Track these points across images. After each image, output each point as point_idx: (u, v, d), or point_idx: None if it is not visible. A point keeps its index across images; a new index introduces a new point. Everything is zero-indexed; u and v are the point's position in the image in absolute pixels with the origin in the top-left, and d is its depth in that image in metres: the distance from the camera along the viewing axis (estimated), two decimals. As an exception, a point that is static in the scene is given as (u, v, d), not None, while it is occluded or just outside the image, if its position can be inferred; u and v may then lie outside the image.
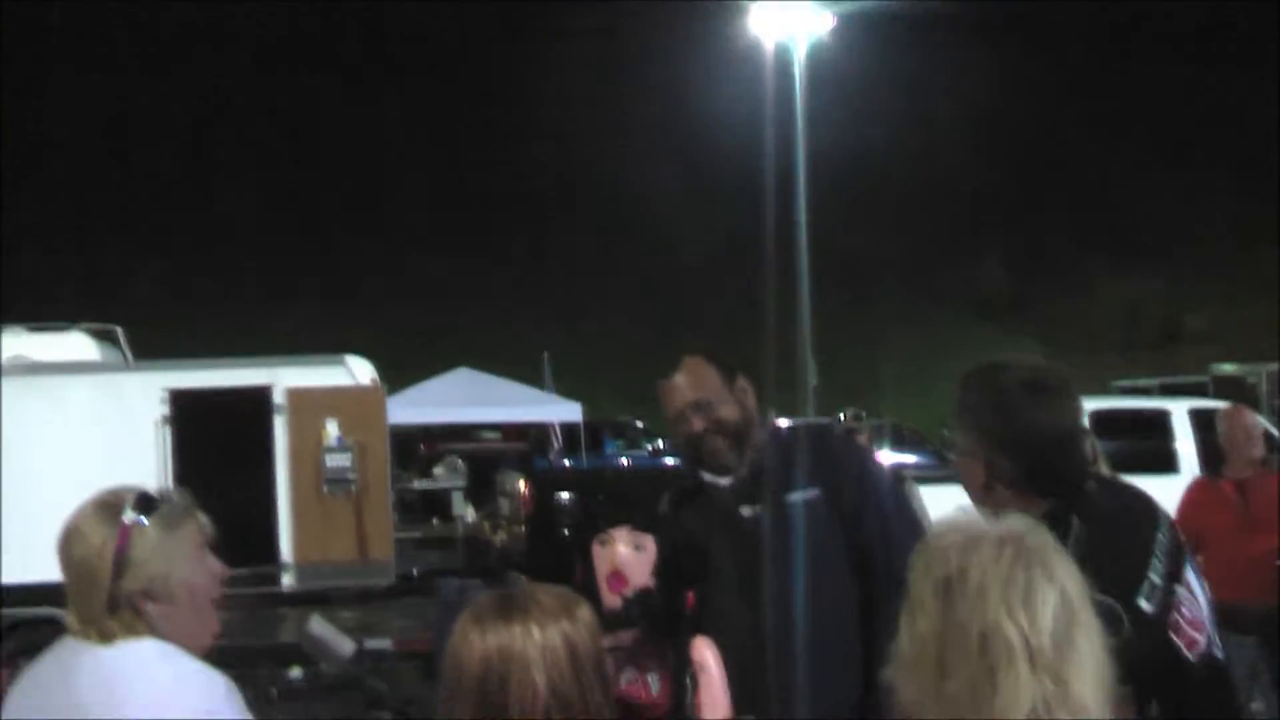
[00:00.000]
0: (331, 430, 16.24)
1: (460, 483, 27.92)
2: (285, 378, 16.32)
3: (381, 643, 11.77)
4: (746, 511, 4.29)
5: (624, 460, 29.30)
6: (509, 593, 2.71)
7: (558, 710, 2.53)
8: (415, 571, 18.75)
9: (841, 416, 25.92)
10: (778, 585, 4.21)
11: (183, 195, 66.05)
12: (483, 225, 67.14)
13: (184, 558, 3.09)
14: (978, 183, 75.01)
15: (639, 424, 34.46)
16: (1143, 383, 30.09)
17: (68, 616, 3.07)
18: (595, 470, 24.65)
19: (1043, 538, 2.16)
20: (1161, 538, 3.00)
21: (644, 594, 3.86)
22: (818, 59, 37.24)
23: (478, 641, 2.57)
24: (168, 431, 16.00)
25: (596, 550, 3.92)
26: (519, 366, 32.00)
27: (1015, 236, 72.03)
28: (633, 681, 3.80)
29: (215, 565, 3.20)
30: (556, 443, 27.40)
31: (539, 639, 2.57)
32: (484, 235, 66.00)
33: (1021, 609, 2.03)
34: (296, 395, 16.20)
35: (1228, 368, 30.28)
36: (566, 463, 26.14)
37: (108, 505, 3.06)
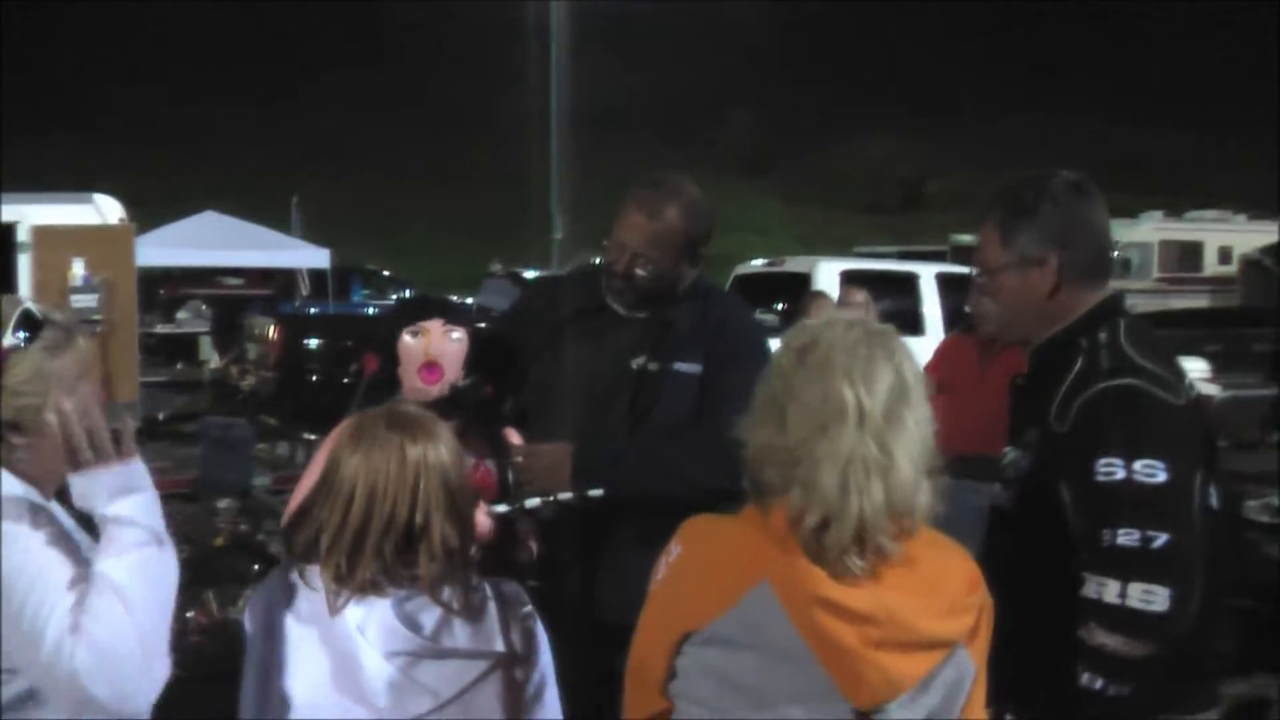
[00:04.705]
0: (78, 269, 15.90)
1: (204, 327, 27.50)
2: (31, 215, 15.86)
3: (134, 484, 11.59)
4: (636, 363, 4.09)
5: (370, 309, 29.15)
6: (384, 412, 2.85)
7: (421, 522, 2.73)
8: (161, 415, 18.53)
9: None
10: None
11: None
12: (235, 68, 65.24)
13: (61, 389, 2.78)
14: (733, 38, 75.41)
15: (386, 273, 34.22)
16: (882, 250, 30.79)
17: None
18: (343, 316, 24.48)
19: (888, 329, 2.46)
20: None
21: (469, 384, 3.90)
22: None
23: (350, 458, 2.75)
24: (-95, 267, 15.50)
25: (407, 342, 3.89)
26: (267, 211, 31.50)
27: (766, 93, 72.78)
28: (474, 468, 3.77)
29: (89, 393, 2.85)
30: (304, 289, 27.09)
31: (415, 455, 2.75)
32: (236, 78, 64.19)
33: (860, 378, 2.31)
34: (42, 233, 15.77)
35: (966, 238, 31.15)
36: (312, 310, 25.88)
37: None
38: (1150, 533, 2.91)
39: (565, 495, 3.80)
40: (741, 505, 2.46)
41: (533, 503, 3.76)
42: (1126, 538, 2.92)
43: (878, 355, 2.36)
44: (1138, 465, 2.95)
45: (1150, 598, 2.90)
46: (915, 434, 2.34)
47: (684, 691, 2.40)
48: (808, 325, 2.44)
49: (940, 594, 2.32)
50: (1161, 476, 2.94)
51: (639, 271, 4.06)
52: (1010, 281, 3.31)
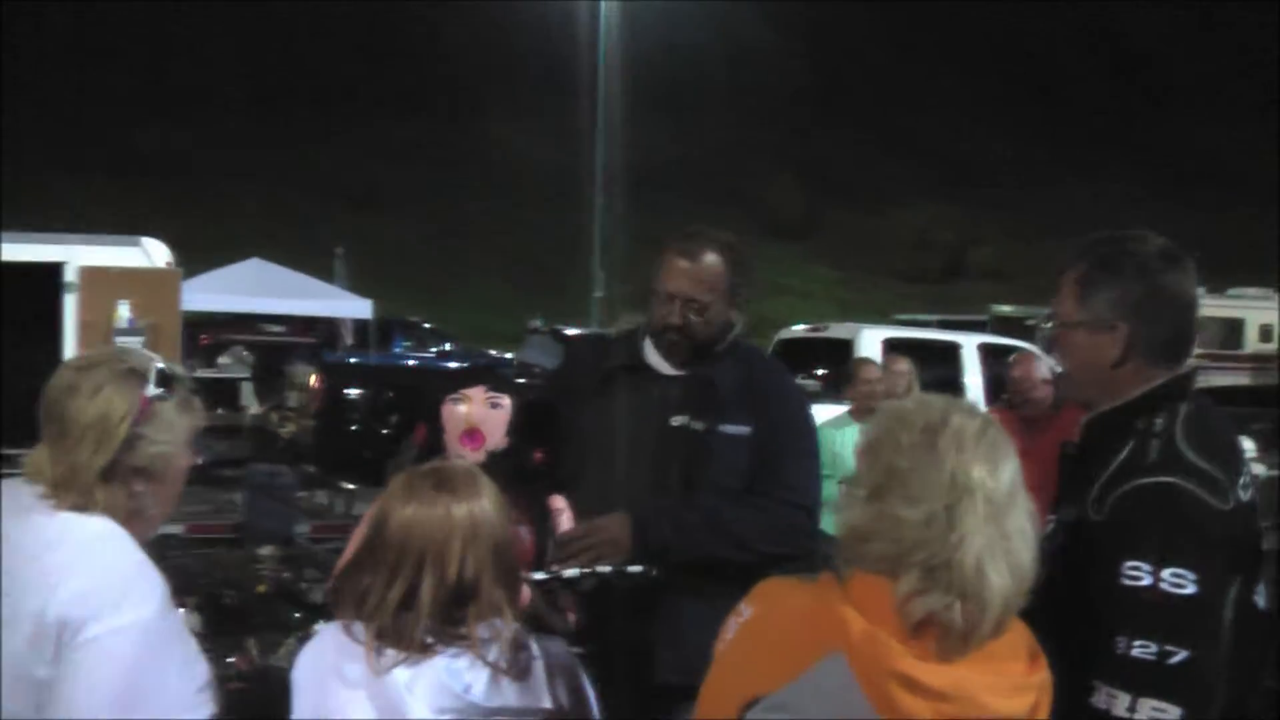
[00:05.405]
0: (124, 312, 15.95)
1: (246, 373, 27.61)
2: (79, 256, 15.96)
3: (173, 528, 11.72)
4: (677, 421, 4.10)
5: (411, 361, 29.23)
6: (431, 470, 2.90)
7: (470, 580, 2.76)
8: (200, 459, 18.58)
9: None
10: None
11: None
12: (286, 116, 65.72)
13: (184, 443, 3.00)
14: (777, 100, 75.68)
15: (427, 325, 34.36)
16: (922, 318, 30.74)
17: (35, 468, 2.86)
18: (386, 367, 24.55)
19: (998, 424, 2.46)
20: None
21: (505, 450, 3.96)
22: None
23: (398, 515, 2.79)
24: (-48, 306, 15.54)
25: (450, 410, 3.98)
26: (311, 259, 31.70)
27: (809, 159, 72.95)
28: None
29: (192, 455, 3.08)
30: (348, 339, 27.25)
31: (462, 513, 2.78)
32: (286, 129, 64.66)
33: (987, 461, 2.31)
34: (90, 274, 15.86)
35: (1007, 309, 31.09)
36: (354, 360, 25.99)
37: (131, 372, 2.92)
38: (1169, 647, 2.75)
39: (605, 569, 3.79)
40: (800, 567, 2.46)
41: (571, 573, 3.76)
42: (1142, 650, 2.76)
43: (1001, 441, 2.37)
44: (1166, 574, 2.77)
45: (1161, 716, 2.73)
46: (1028, 521, 2.35)
47: None
48: (929, 403, 2.42)
49: (1006, 671, 2.32)
50: (1190, 589, 2.77)
51: (693, 318, 4.09)
52: (1079, 340, 3.17)
